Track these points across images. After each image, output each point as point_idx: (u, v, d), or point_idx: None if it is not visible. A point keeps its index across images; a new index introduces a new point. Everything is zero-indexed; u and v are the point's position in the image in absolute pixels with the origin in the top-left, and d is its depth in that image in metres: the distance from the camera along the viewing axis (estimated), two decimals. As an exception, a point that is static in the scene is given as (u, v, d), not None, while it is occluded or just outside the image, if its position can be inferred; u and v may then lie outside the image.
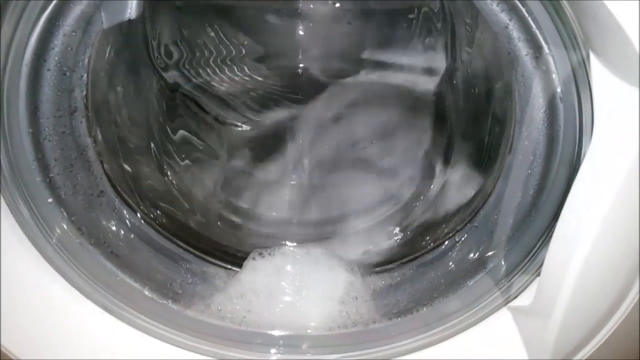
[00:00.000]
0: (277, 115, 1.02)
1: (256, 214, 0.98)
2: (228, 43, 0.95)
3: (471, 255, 0.81)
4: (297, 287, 0.86)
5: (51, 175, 0.73)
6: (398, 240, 0.94)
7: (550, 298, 0.64)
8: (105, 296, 0.75)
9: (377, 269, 0.88)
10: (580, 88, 0.61)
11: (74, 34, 0.68)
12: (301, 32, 0.93)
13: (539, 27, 0.62)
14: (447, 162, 0.94)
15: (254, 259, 0.90)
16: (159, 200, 0.89)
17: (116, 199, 0.81)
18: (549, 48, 0.62)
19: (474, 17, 0.77)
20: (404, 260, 0.88)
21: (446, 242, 0.85)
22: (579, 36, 0.58)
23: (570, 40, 0.60)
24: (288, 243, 0.94)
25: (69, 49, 0.69)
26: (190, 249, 0.87)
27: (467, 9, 0.78)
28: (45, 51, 0.67)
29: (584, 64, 0.59)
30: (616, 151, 0.54)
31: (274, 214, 0.99)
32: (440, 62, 0.93)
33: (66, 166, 0.74)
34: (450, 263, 0.84)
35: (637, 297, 0.62)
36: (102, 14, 0.68)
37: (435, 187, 0.95)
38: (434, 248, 0.87)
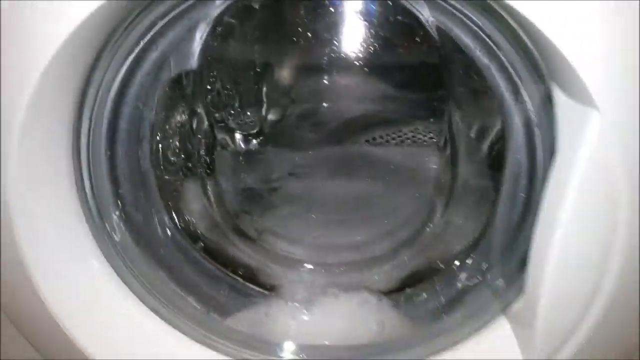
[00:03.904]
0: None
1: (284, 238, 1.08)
2: (264, 92, 1.08)
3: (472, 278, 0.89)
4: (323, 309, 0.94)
5: (120, 191, 0.84)
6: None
7: (535, 293, 0.69)
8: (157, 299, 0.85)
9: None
10: (550, 114, 0.71)
11: (148, 75, 0.80)
12: (325, 82, 1.04)
13: (512, 66, 0.72)
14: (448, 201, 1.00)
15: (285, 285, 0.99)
16: (204, 225, 1.00)
17: (167, 219, 0.92)
18: (522, 83, 0.72)
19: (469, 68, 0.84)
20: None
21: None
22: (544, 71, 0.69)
23: (538, 76, 0.71)
24: (306, 265, 1.04)
25: (143, 87, 0.81)
26: (232, 274, 0.97)
27: (460, 60, 0.85)
28: (126, 88, 0.79)
29: (550, 94, 0.70)
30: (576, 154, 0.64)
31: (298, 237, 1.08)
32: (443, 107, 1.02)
33: (132, 184, 0.85)
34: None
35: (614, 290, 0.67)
36: (171, 61, 0.80)
37: (436, 223, 1.02)
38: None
